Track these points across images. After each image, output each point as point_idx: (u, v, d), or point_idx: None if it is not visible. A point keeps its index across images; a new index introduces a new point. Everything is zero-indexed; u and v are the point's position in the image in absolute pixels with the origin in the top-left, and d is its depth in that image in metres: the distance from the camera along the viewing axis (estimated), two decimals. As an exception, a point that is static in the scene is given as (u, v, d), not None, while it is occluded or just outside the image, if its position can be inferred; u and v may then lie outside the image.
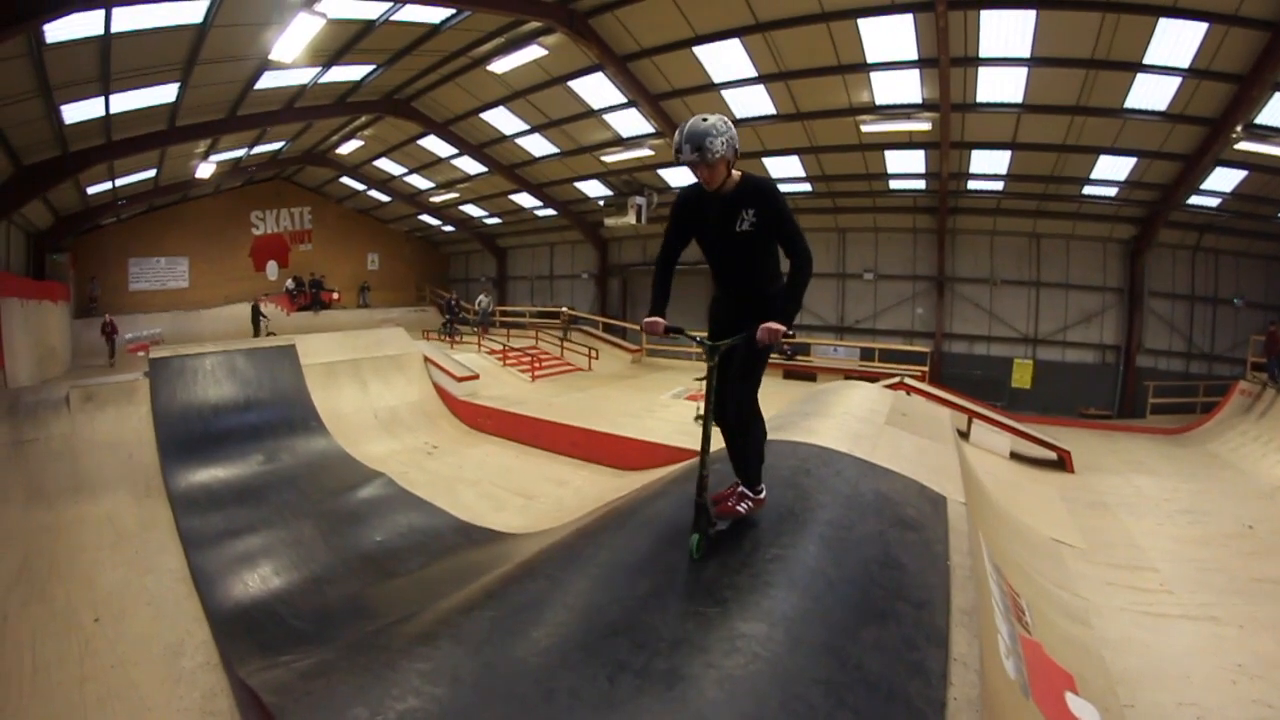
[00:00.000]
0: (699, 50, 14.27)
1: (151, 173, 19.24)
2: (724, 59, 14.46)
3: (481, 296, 24.46)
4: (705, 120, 3.04)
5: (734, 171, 3.16)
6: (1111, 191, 16.72)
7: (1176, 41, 11.50)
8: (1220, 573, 6.18)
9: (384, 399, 12.10)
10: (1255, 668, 4.23)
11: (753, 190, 3.14)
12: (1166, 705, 3.76)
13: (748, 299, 3.27)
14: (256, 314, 22.51)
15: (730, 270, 3.32)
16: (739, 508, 3.40)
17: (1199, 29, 11.15)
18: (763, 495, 3.54)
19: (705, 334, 3.47)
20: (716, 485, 3.44)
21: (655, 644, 2.61)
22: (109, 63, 11.01)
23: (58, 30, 9.46)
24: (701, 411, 3.29)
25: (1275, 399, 13.15)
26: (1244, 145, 13.34)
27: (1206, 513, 8.41)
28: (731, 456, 3.48)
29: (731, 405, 3.32)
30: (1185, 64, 11.97)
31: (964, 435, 11.28)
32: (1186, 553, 6.82)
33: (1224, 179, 15.18)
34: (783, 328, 3.06)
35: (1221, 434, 13.52)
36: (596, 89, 16.50)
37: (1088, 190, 16.85)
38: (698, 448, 3.29)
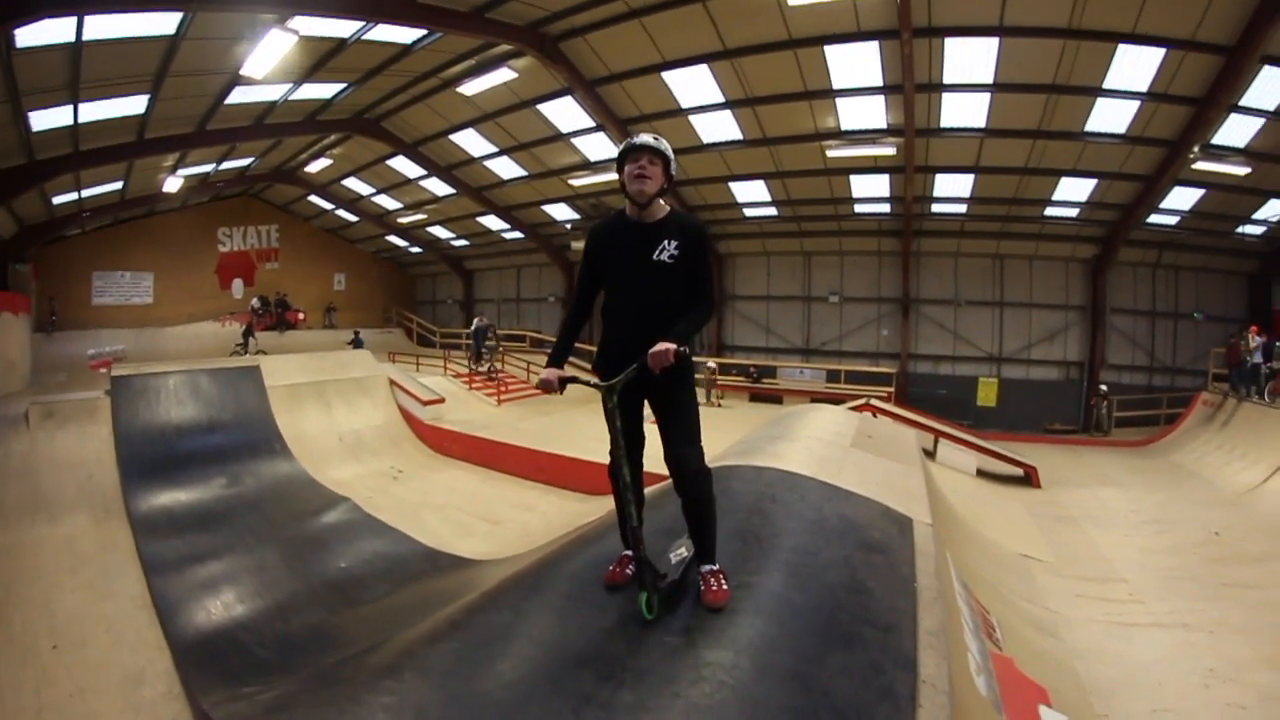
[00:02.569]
0: (667, 75, 14.45)
1: (118, 185, 18.96)
2: (692, 84, 14.64)
3: (477, 320, 21.08)
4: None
5: (663, 202, 3.05)
6: (1073, 212, 17.15)
7: (1135, 66, 11.91)
8: (1189, 580, 6.29)
9: (349, 422, 11.90)
10: (1227, 671, 4.29)
11: (681, 224, 3.03)
12: (1140, 713, 3.80)
13: (648, 338, 2.86)
14: (249, 333, 22.20)
15: (636, 304, 3.00)
16: (725, 587, 2.96)
17: (1157, 54, 11.55)
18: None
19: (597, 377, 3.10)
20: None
21: (620, 675, 2.57)
22: (79, 71, 10.89)
23: (28, 35, 9.37)
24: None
25: (1237, 408, 13.49)
26: (1201, 165, 13.85)
27: (1173, 522, 8.59)
28: (693, 533, 3.09)
29: (688, 476, 2.97)
30: (1144, 88, 12.38)
31: (930, 454, 11.38)
32: (1154, 562, 6.94)
33: (1182, 198, 15.70)
34: (674, 345, 2.77)
35: (1185, 444, 13.85)
36: (565, 113, 16.60)
37: (1050, 211, 17.28)
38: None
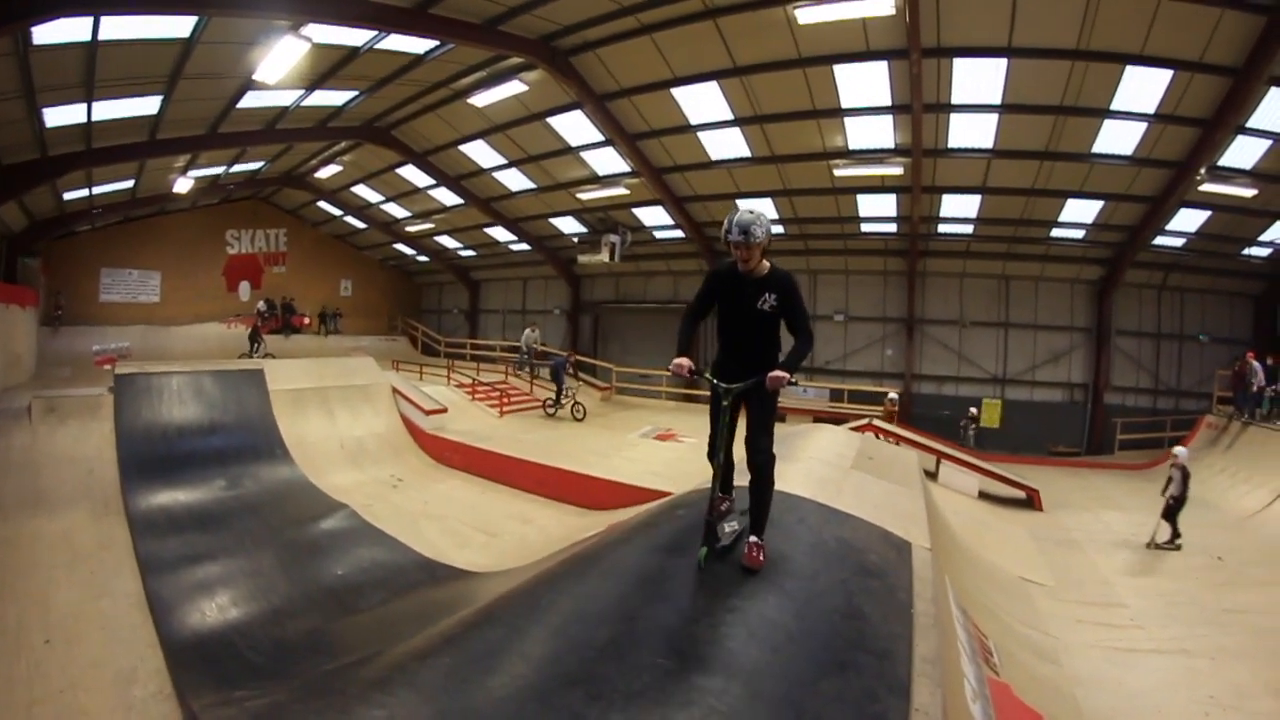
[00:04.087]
0: (677, 92, 14.41)
1: (129, 183, 18.99)
2: (701, 101, 14.59)
3: (528, 331, 21.12)
4: (751, 212, 3.68)
5: (765, 261, 3.75)
6: (1079, 234, 17.08)
7: (1143, 87, 11.85)
8: (1190, 605, 6.26)
9: (351, 429, 11.87)
10: (1228, 698, 4.26)
11: (778, 278, 3.76)
12: (1140, 742, 3.76)
13: (752, 362, 3.73)
14: (256, 337, 21.70)
15: (743, 339, 3.85)
16: (760, 558, 3.69)
17: (1164, 75, 11.52)
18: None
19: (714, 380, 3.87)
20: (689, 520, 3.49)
21: (610, 696, 2.56)
22: (94, 70, 10.94)
23: (46, 33, 9.42)
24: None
25: (1241, 432, 13.42)
26: (1207, 187, 13.82)
27: (1175, 546, 8.52)
28: (753, 509, 3.84)
29: (760, 455, 3.73)
30: (1151, 109, 12.33)
31: (932, 476, 11.33)
32: (1156, 587, 6.89)
33: (1188, 219, 15.65)
34: (787, 375, 3.58)
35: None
36: (575, 126, 16.57)
37: (1056, 233, 17.19)
38: (664, 489, 3.39)
